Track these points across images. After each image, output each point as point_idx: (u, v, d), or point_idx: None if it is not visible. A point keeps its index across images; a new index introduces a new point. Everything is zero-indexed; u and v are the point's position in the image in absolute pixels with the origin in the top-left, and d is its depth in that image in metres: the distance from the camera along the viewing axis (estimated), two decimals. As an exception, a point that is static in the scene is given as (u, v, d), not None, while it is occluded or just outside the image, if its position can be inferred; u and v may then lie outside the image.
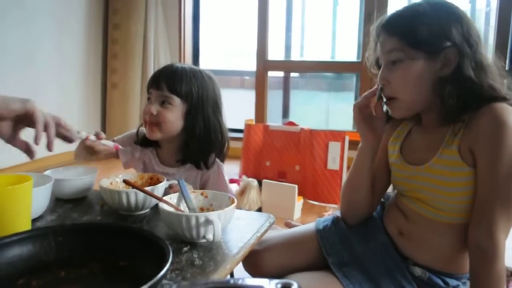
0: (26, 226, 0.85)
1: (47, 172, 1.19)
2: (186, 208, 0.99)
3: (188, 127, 1.22)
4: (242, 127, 2.80)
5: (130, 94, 3.44)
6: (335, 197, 2.32)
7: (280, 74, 3.99)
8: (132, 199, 1.03)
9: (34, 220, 0.99)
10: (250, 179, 2.11)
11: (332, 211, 2.17)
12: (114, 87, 3.50)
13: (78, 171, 1.26)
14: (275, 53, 3.62)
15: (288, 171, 2.50)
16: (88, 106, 3.51)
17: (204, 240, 0.89)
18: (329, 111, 4.49)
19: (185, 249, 0.88)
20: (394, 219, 1.10)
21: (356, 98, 3.53)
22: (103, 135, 1.13)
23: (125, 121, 3.47)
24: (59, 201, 1.16)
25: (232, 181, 2.33)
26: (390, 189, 1.30)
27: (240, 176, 2.51)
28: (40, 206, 1.04)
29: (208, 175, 1.26)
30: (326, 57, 4.01)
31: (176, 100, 1.20)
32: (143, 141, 1.30)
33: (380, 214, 1.18)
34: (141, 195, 1.03)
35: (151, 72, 3.44)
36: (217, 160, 1.28)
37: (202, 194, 1.03)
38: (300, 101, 4.38)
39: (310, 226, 1.22)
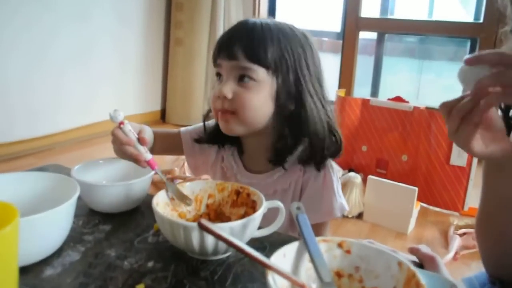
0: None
1: (76, 169, 0.76)
2: (311, 267, 0.52)
3: (282, 112, 0.82)
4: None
5: (196, 52, 3.09)
6: (458, 202, 1.77)
7: (369, 36, 3.35)
8: (209, 243, 0.58)
9: (43, 262, 0.60)
10: (352, 173, 1.61)
11: (457, 222, 1.62)
12: (179, 43, 3.12)
13: (123, 168, 0.82)
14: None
15: (391, 161, 1.96)
16: (148, 64, 3.19)
17: None
18: (420, 84, 3.82)
19: None
20: None
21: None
22: (147, 141, 0.76)
23: (189, 83, 3.10)
24: (92, 217, 0.74)
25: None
26: None
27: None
28: (57, 237, 0.62)
29: (308, 176, 0.86)
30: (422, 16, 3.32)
31: (261, 73, 0.79)
32: (212, 137, 0.89)
33: None
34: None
35: (220, 27, 2.97)
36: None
37: (340, 245, 0.55)
38: (386, 69, 3.74)
39: None
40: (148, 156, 0.74)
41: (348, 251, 0.55)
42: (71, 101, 2.64)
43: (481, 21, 2.62)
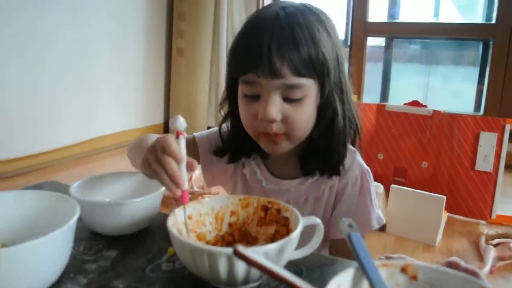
0: None
1: (76, 186, 0.66)
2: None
3: (324, 117, 0.71)
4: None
5: (199, 62, 2.95)
6: (485, 210, 1.65)
7: (374, 43, 3.27)
8: (240, 271, 0.48)
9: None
10: (375, 183, 1.49)
11: (487, 232, 1.51)
12: (181, 53, 3.02)
13: (130, 183, 0.72)
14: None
15: (410, 168, 1.85)
16: (150, 75, 3.07)
17: None
18: (428, 90, 3.73)
19: None
20: None
21: (481, 75, 2.80)
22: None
23: (192, 94, 3.00)
24: (95, 241, 0.64)
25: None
26: None
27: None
28: (53, 267, 0.52)
29: (344, 183, 0.76)
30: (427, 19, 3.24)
31: (310, 86, 0.67)
32: (235, 155, 0.78)
33: None
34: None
35: (223, 36, 2.88)
36: (360, 160, 0.77)
37: (404, 270, 0.45)
38: (393, 75, 3.66)
39: None
40: (186, 185, 0.56)
41: (414, 277, 0.45)
42: (70, 116, 2.51)
43: (493, 21, 2.54)
